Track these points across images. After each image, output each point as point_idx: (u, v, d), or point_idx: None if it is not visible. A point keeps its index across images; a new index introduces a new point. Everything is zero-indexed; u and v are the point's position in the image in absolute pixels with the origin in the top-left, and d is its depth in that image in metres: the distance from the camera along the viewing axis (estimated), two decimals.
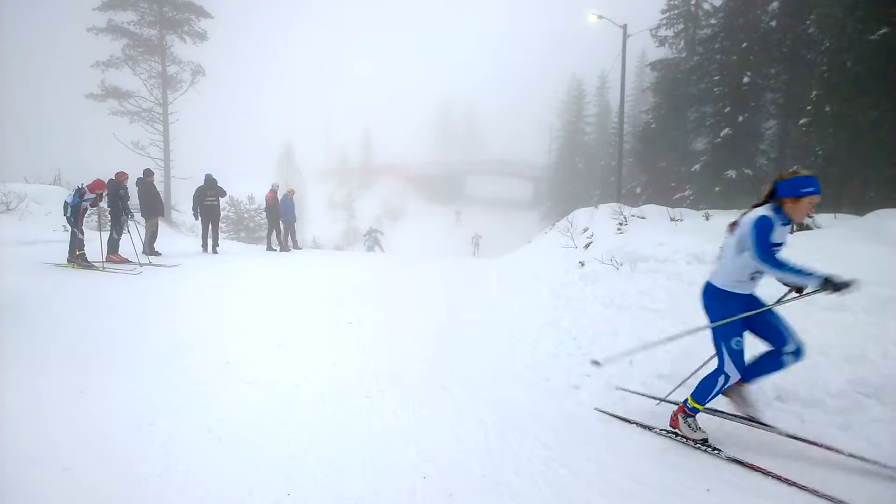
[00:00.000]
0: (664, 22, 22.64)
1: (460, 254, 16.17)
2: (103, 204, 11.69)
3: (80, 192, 9.76)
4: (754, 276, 3.86)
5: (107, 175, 10.85)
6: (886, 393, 4.35)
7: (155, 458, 3.77)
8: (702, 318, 4.23)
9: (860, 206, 10.33)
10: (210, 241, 13.03)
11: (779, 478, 3.50)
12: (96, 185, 10.10)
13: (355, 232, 25.49)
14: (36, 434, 3.93)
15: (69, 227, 10.03)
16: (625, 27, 18.34)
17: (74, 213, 9.69)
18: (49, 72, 55.69)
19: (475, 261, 11.23)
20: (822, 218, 7.81)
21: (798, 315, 5.26)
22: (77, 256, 9.75)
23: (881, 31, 10.66)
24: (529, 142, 60.30)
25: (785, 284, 3.92)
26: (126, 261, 10.55)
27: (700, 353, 5.22)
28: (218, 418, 4.40)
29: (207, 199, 12.95)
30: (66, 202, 9.78)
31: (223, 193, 13.42)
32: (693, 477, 3.78)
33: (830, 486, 3.34)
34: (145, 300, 8.00)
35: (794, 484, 3.40)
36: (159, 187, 15.48)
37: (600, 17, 18.27)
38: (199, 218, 13.12)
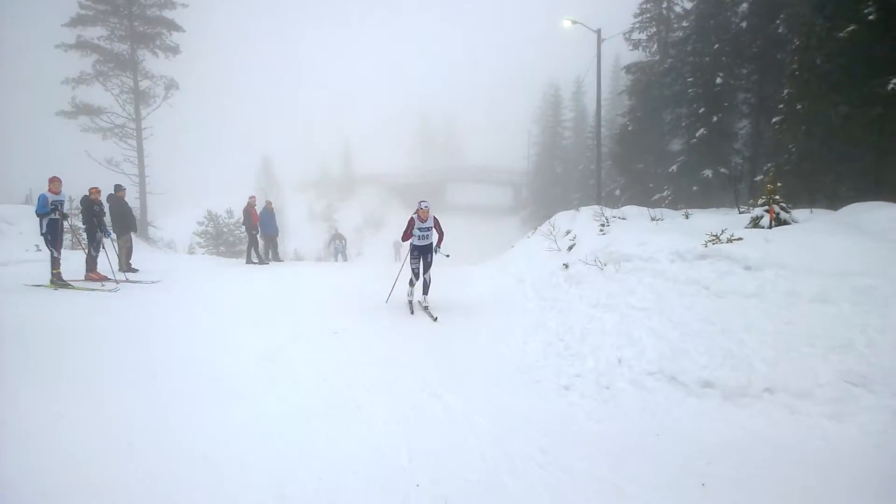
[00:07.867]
0: (637, 25, 22.91)
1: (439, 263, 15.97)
2: (78, 222, 11.37)
3: (43, 199, 9.26)
4: None
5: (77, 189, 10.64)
6: (875, 381, 4.39)
7: (136, 480, 3.62)
8: (687, 314, 4.19)
9: (834, 201, 10.49)
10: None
11: None
12: (52, 181, 9.48)
13: (335, 243, 24.44)
14: (15, 463, 3.75)
15: (45, 247, 9.70)
16: (599, 31, 18.55)
17: (48, 226, 9.32)
18: (17, 88, 54.29)
19: (458, 267, 11.18)
20: (798, 213, 7.89)
21: (781, 306, 5.32)
22: (54, 275, 9.47)
23: (849, 29, 10.83)
24: (508, 148, 60.57)
25: None
26: (105, 278, 10.27)
27: (691, 350, 5.25)
28: (203, 435, 4.27)
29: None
30: (38, 217, 9.38)
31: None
32: (687, 473, 3.79)
33: None
34: (125, 318, 7.76)
35: None
36: (134, 203, 16.61)
37: (574, 22, 18.42)
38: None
